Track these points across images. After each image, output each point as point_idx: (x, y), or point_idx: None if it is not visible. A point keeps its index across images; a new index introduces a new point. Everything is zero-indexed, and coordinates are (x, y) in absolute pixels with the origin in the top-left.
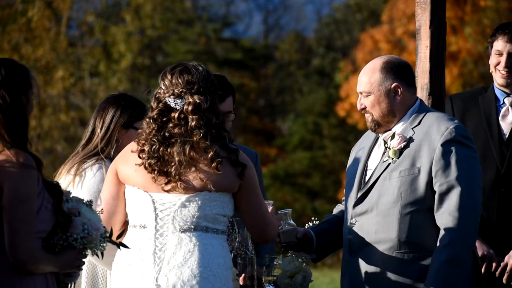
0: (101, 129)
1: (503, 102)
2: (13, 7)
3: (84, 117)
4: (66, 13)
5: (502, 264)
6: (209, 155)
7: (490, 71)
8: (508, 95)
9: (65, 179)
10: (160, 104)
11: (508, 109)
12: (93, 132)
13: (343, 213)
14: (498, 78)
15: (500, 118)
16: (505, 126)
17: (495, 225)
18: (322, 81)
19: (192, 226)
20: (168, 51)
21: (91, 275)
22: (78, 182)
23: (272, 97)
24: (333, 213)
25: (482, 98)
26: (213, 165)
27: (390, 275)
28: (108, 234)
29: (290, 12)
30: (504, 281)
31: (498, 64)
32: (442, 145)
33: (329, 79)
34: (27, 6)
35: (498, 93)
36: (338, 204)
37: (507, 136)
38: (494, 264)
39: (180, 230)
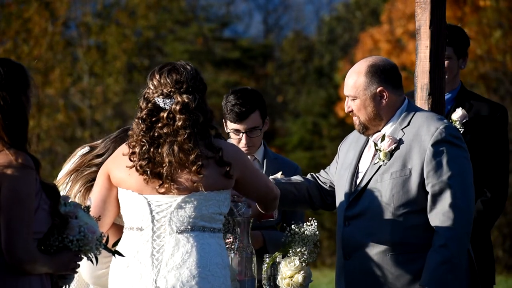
0: None
1: None
2: (10, 7)
3: (83, 117)
4: (63, 13)
5: None
6: (190, 158)
7: None
8: None
9: None
10: (149, 104)
11: None
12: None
13: (314, 184)
14: None
15: None
16: None
17: None
18: (322, 81)
19: (189, 227)
20: (166, 51)
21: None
22: None
23: (272, 97)
24: (308, 178)
25: None
26: (193, 168)
27: (386, 277)
28: (103, 241)
29: (290, 12)
30: None
31: None
32: (432, 145)
33: (329, 79)
34: (25, 7)
35: None
36: (318, 174)
37: None
38: None
39: (177, 231)
